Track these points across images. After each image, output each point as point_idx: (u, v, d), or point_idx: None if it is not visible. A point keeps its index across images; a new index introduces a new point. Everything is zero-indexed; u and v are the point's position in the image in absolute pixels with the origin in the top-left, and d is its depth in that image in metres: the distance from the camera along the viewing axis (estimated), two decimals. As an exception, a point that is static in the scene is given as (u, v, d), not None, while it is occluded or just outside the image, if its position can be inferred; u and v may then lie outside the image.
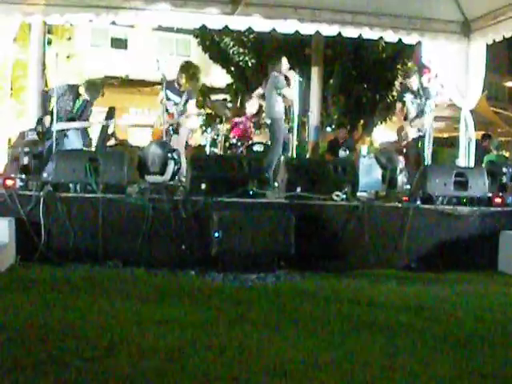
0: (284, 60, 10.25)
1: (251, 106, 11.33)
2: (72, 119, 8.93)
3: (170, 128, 9.48)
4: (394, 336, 4.42)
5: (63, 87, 9.04)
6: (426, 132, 9.52)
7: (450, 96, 10.76)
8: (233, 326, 4.55)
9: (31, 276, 6.00)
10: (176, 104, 9.56)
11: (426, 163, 9.27)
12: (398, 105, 10.10)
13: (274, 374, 3.51)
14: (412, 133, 9.63)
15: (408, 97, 9.78)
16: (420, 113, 9.57)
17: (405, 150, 9.70)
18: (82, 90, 9.07)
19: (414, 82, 9.86)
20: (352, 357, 3.88)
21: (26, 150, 7.78)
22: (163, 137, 9.28)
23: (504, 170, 8.62)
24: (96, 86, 9.23)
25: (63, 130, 8.79)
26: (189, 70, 9.71)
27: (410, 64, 17.99)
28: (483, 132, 15.74)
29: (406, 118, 9.79)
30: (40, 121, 8.76)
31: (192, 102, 9.73)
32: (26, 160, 7.72)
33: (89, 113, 9.20)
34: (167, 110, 9.50)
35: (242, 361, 3.71)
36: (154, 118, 10.09)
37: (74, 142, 8.92)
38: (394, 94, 18.55)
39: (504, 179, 8.54)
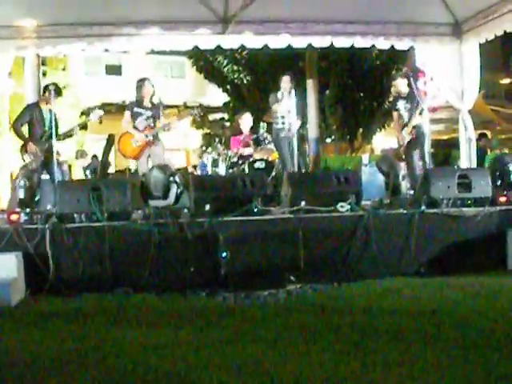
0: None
1: (245, 123, 11.15)
2: (51, 136, 8.58)
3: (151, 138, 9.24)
4: (409, 343, 4.40)
5: (31, 107, 8.99)
6: (421, 132, 9.35)
7: (447, 98, 10.76)
8: (247, 345, 4.53)
9: (42, 309, 6.00)
10: (148, 118, 9.36)
11: (426, 166, 9.20)
12: (395, 114, 9.87)
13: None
14: (406, 138, 9.49)
15: (400, 104, 9.63)
16: (410, 116, 9.42)
17: (403, 156, 9.59)
18: (42, 104, 8.93)
19: (400, 84, 9.66)
20: (370, 368, 3.86)
21: (21, 183, 7.79)
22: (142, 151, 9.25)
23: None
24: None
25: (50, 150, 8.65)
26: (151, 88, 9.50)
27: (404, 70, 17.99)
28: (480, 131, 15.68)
29: (404, 127, 9.60)
30: (24, 149, 8.71)
31: (162, 119, 9.52)
32: (21, 193, 7.72)
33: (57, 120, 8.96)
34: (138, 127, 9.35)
35: (258, 380, 3.69)
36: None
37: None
38: (391, 99, 18.54)
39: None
